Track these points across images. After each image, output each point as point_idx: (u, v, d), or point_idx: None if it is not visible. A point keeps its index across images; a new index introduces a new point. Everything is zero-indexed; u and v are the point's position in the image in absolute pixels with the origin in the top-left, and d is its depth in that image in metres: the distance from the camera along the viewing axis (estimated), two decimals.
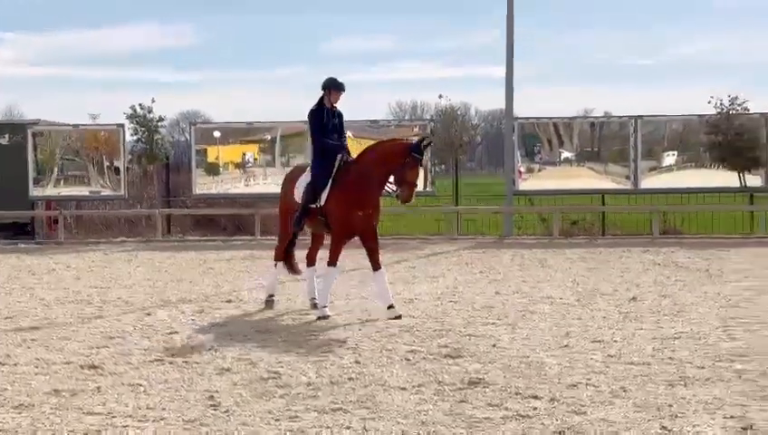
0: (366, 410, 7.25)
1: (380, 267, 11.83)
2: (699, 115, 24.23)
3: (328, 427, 6.78)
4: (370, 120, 26.20)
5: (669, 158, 24.60)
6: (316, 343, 10.02)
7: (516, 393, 7.68)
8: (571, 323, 11.00)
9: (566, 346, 9.65)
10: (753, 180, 23.72)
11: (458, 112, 27.25)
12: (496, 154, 25.63)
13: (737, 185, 23.83)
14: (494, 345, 9.74)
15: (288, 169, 15.04)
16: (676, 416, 6.95)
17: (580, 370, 8.53)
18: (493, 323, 11.05)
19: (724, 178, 23.89)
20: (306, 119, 12.30)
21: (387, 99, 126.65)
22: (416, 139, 12.37)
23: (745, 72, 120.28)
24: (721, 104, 23.70)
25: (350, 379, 8.27)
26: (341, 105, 12.03)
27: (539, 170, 24.90)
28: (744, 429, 6.59)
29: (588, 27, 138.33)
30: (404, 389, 7.89)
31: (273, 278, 12.81)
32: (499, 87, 25.16)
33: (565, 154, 24.87)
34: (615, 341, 9.90)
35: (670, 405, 7.24)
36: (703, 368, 8.53)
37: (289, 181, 12.56)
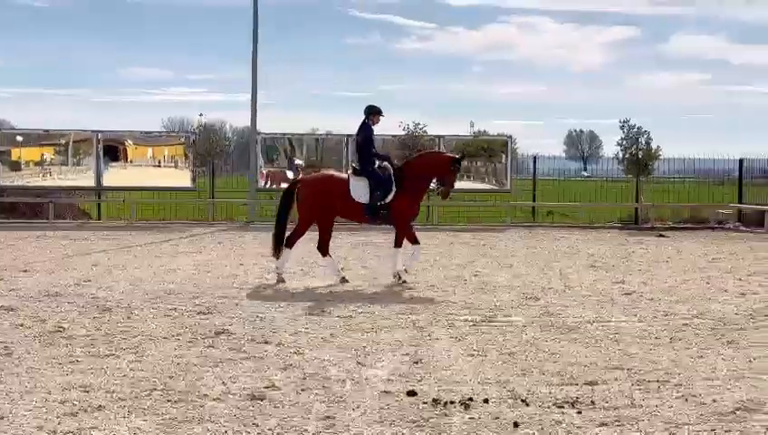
0: (134, 354, 7.01)
1: (419, 242, 12.07)
2: (393, 135, 24.95)
3: (102, 368, 6.51)
4: (146, 132, 25.66)
5: (298, 161, 25.24)
6: (96, 303, 9.57)
7: (252, 340, 7.65)
8: (297, 287, 11.04)
9: (291, 304, 9.66)
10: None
11: (216, 128, 26.77)
12: (246, 160, 25.45)
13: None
14: (237, 304, 9.65)
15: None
16: (368, 354, 7.14)
17: (302, 321, 8.59)
18: (237, 288, 10.93)
19: None
20: (359, 135, 12.07)
21: (161, 115, 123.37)
22: (457, 155, 12.35)
23: (425, 106, 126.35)
24: (408, 127, 24.56)
25: (122, 331, 7.97)
26: None
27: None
28: (416, 362, 6.85)
29: (316, 65, 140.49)
30: (165, 338, 7.69)
31: (332, 266, 12.00)
32: (248, 109, 24.86)
33: (297, 162, 25.08)
34: (329, 300, 10.02)
35: (365, 346, 7.42)
36: (389, 318, 8.78)
37: (329, 187, 11.89)
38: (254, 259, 14.41)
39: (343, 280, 11.64)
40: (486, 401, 5.68)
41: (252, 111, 24.75)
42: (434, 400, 5.68)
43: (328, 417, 5.33)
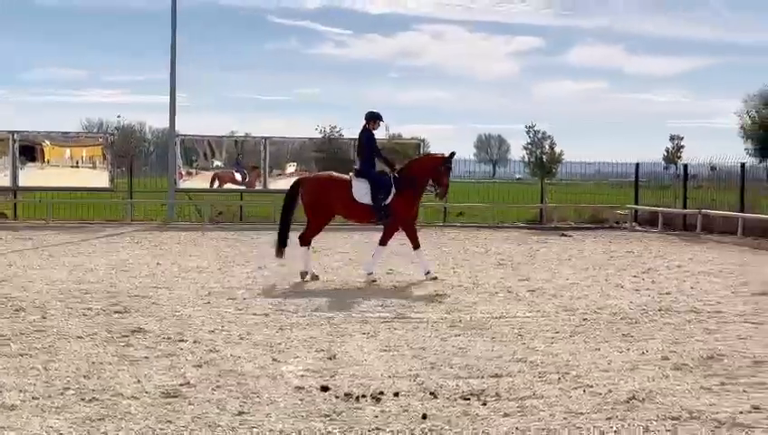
0: (48, 354, 6.80)
1: (419, 247, 12.06)
2: (310, 138, 24.92)
3: (15, 368, 6.29)
4: (63, 132, 24.94)
5: (291, 167, 25.22)
6: (11, 303, 9.24)
7: (168, 338, 7.51)
8: (214, 286, 10.90)
9: (208, 303, 9.55)
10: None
11: (134, 129, 26.23)
12: (165, 161, 24.92)
13: None
14: (153, 303, 9.45)
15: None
16: (284, 350, 7.09)
17: (218, 319, 8.48)
18: (154, 287, 10.71)
19: None
20: (360, 139, 12.27)
21: (79, 116, 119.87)
22: (447, 154, 12.25)
23: (342, 110, 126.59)
24: (324, 131, 24.56)
25: (36, 331, 7.72)
26: None
27: (196, 174, 24.66)
28: (330, 358, 6.83)
29: (236, 69, 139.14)
30: (80, 337, 7.48)
31: (304, 258, 11.91)
32: (168, 111, 24.41)
33: (216, 163, 24.80)
34: (245, 298, 9.93)
35: (279, 343, 7.37)
36: (305, 316, 8.75)
37: (331, 187, 12.03)
38: (171, 259, 14.16)
39: (303, 275, 11.67)
40: (397, 394, 5.70)
41: (170, 112, 24.34)
42: (346, 394, 5.68)
43: (242, 412, 5.27)
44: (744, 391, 5.91)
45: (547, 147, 24.78)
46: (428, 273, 11.81)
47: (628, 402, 5.58)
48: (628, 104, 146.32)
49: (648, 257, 15.57)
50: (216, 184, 24.43)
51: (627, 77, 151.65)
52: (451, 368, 6.52)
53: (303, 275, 11.70)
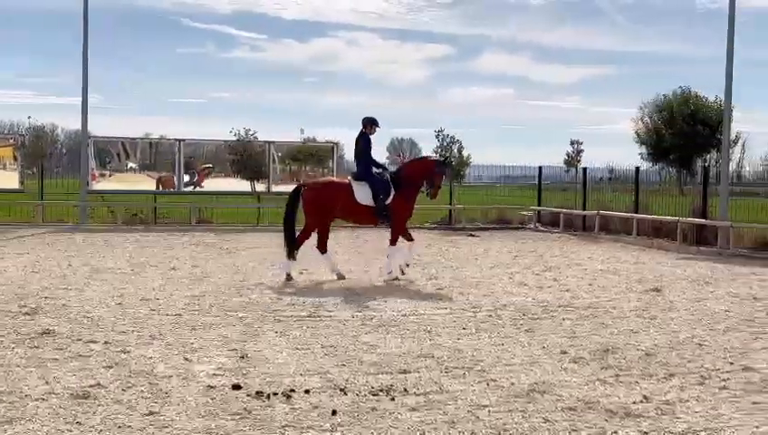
0: None
1: (395, 244, 12.22)
2: (225, 141, 24.58)
3: None
4: None
5: (206, 169, 24.92)
6: None
7: (78, 339, 7.29)
8: (126, 287, 10.64)
9: (120, 304, 9.31)
10: (260, 187, 24.52)
11: (46, 130, 25.39)
12: (78, 163, 24.19)
13: (249, 190, 24.53)
14: (63, 305, 9.16)
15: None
16: (196, 350, 6.97)
17: (129, 320, 8.28)
18: (65, 288, 10.39)
19: (242, 184, 24.52)
20: (358, 143, 12.24)
21: None
22: (441, 158, 12.59)
23: (257, 113, 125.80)
24: (239, 134, 24.26)
25: None
26: None
27: (110, 175, 24.03)
28: (242, 357, 6.75)
29: (152, 72, 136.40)
30: None
31: (329, 262, 12.10)
32: (79, 113, 23.72)
33: (130, 164, 24.23)
34: (157, 299, 9.73)
35: (192, 343, 7.25)
36: (218, 316, 8.63)
37: (333, 192, 12.11)
38: (83, 260, 13.76)
39: (340, 276, 11.81)
40: (308, 391, 5.68)
41: (83, 114, 23.63)
42: (257, 392, 5.62)
43: (152, 413, 5.15)
44: (636, 382, 6.11)
45: (456, 150, 25.13)
46: (390, 273, 11.96)
47: (528, 395, 5.69)
48: (533, 110, 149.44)
49: (550, 256, 15.93)
50: (160, 187, 23.97)
51: (532, 84, 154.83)
52: (361, 365, 6.53)
53: (340, 276, 11.85)
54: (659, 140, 51.18)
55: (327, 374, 6.18)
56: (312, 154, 25.63)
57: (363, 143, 12.29)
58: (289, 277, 11.67)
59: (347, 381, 5.99)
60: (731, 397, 5.73)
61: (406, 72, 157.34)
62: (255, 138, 24.43)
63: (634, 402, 5.53)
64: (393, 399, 5.56)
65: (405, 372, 6.30)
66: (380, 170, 12.37)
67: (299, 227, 12.22)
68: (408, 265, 12.33)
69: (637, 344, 7.47)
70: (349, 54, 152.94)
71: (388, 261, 12.19)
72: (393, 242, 12.29)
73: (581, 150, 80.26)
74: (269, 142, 24.63)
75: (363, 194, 12.05)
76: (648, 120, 53.76)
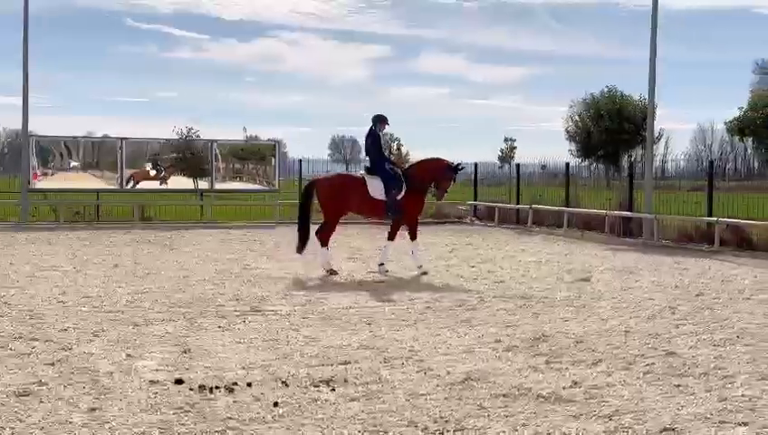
0: None
1: (416, 238, 12.26)
2: (168, 139, 24.20)
3: None
4: None
5: (148, 168, 24.48)
6: None
7: (20, 337, 7.09)
8: (68, 284, 10.39)
9: (62, 302, 9.09)
10: (203, 184, 24.22)
11: None
12: (20, 161, 23.51)
13: (192, 187, 24.21)
14: (5, 303, 8.90)
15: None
16: (138, 346, 6.85)
17: (72, 318, 8.08)
18: (6, 287, 10.08)
19: (185, 182, 24.16)
20: (368, 140, 12.20)
21: None
22: (455, 162, 12.52)
23: (200, 112, 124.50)
24: (181, 132, 23.91)
25: None
26: None
27: (52, 175, 23.43)
28: (185, 352, 6.65)
29: (94, 72, 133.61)
30: None
31: (325, 257, 11.89)
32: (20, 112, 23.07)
33: (73, 163, 23.68)
34: (100, 296, 9.52)
35: (134, 339, 7.12)
36: (161, 312, 8.49)
37: (346, 186, 12.13)
38: (25, 258, 13.39)
39: (332, 272, 11.64)
40: (250, 384, 5.62)
41: (23, 113, 22.91)
42: (200, 386, 5.55)
43: (94, 409, 5.04)
44: (567, 368, 6.21)
45: (395, 148, 25.19)
46: (420, 267, 11.95)
47: (464, 382, 5.74)
48: (469, 109, 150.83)
49: (486, 249, 16.10)
50: (131, 184, 23.45)
51: (469, 84, 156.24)
52: (302, 357, 6.50)
53: (331, 272, 11.70)
54: (588, 137, 52.13)
55: (269, 367, 6.13)
56: (254, 152, 25.40)
57: (372, 139, 12.23)
58: (332, 271, 11.69)
59: (288, 373, 5.95)
60: (655, 380, 5.87)
61: (346, 72, 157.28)
62: (198, 136, 24.15)
63: (564, 388, 5.62)
64: (334, 390, 5.54)
65: (345, 363, 6.29)
66: (392, 166, 12.35)
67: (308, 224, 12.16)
68: (420, 267, 12.02)
69: (567, 332, 7.59)
70: (290, 55, 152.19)
71: (415, 256, 12.18)
72: (413, 237, 12.24)
73: (515, 147, 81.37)
74: (212, 141, 24.34)
75: (376, 188, 12.01)
76: (578, 118, 54.71)
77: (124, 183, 23.40)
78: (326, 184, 12.39)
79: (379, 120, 12.32)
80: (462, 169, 13.42)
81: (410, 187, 12.13)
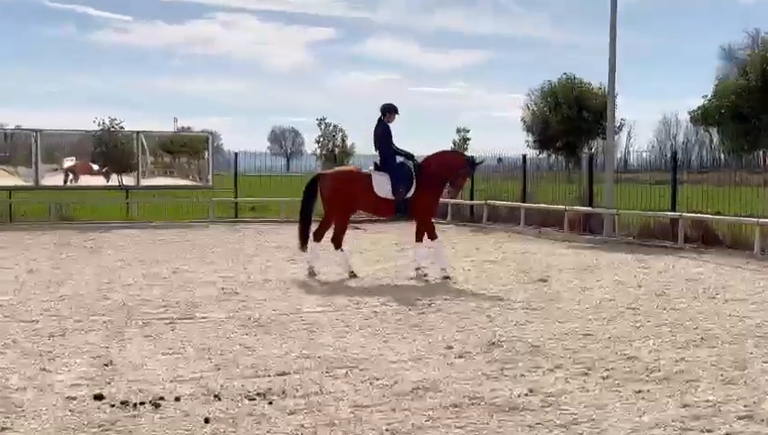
0: None
1: (437, 237, 12.01)
2: (88, 131, 23.77)
3: None
4: None
5: (69, 162, 24.13)
6: None
7: None
8: None
9: None
10: (129, 180, 23.87)
11: None
12: None
13: (117, 184, 23.86)
14: None
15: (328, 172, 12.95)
16: (54, 359, 6.70)
17: None
18: None
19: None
20: (376, 132, 12.01)
21: None
22: (473, 158, 12.53)
23: (124, 100, 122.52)
24: (104, 123, 23.51)
25: None
26: None
27: None
28: (106, 365, 6.53)
29: (5, 57, 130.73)
30: None
31: (344, 259, 11.99)
32: None
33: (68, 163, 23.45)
34: (12, 304, 9.30)
35: (50, 351, 6.97)
36: (80, 321, 8.33)
37: (352, 181, 11.96)
38: None
39: (352, 274, 11.58)
40: (178, 399, 5.55)
41: None
42: (123, 402, 5.46)
43: (4, 429, 4.92)
44: (522, 375, 6.27)
45: (339, 139, 25.16)
46: (443, 270, 11.70)
47: (413, 392, 5.75)
48: (420, 97, 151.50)
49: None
50: (71, 178, 22.99)
51: (418, 70, 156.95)
52: (237, 368, 6.44)
53: (352, 274, 11.69)
54: (546, 127, 52.75)
55: (200, 380, 6.06)
56: (185, 145, 25.16)
57: (381, 131, 11.99)
58: (312, 272, 11.69)
59: (221, 386, 5.89)
60: (614, 386, 5.96)
61: (288, 57, 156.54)
62: (122, 127, 23.76)
63: (519, 396, 5.68)
64: (271, 403, 5.50)
65: (284, 374, 6.25)
66: (403, 159, 12.01)
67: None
68: (443, 270, 11.79)
69: (523, 337, 7.67)
70: (226, 37, 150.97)
71: (438, 259, 11.93)
72: (432, 236, 11.97)
73: (469, 138, 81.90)
74: (137, 132, 23.99)
75: (382, 185, 11.78)
76: (535, 107, 55.32)
77: (63, 178, 23.00)
78: (331, 178, 12.17)
79: (388, 111, 12.07)
80: (482, 162, 13.27)
81: (424, 182, 11.84)
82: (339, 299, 9.84)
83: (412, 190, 11.83)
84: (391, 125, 12.13)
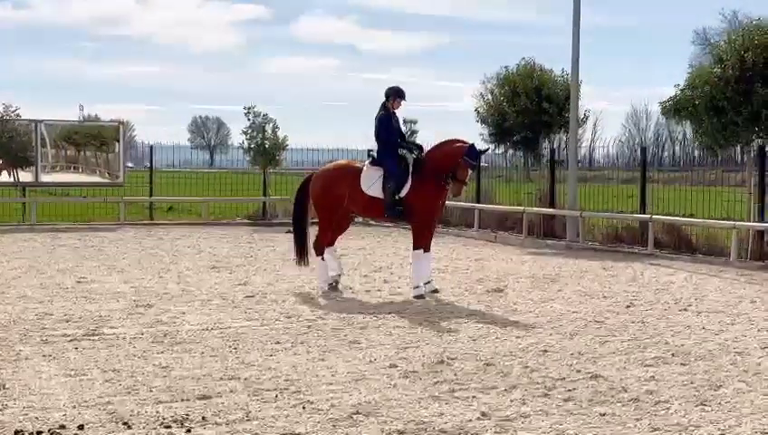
0: None
1: (424, 248, 11.43)
2: None
3: None
4: None
5: None
6: None
7: None
8: None
9: None
10: (26, 176, 23.45)
11: None
12: None
13: (12, 180, 23.43)
14: None
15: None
16: None
17: None
18: None
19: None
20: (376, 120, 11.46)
21: None
22: (476, 144, 11.63)
23: (21, 85, 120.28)
24: None
25: None
26: None
27: None
28: None
29: None
30: None
31: (324, 270, 11.62)
32: None
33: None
34: None
35: None
36: None
37: (339, 178, 11.57)
38: None
39: (332, 287, 11.42)
40: (81, 427, 5.47)
41: None
42: (17, 432, 5.37)
43: None
44: (474, 396, 6.33)
45: (269, 131, 24.94)
46: (429, 283, 11.33)
47: (351, 418, 5.76)
48: (361, 84, 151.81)
49: (382, 255, 16.23)
50: None
51: (360, 54, 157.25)
52: (151, 392, 6.38)
53: (334, 284, 11.56)
54: (502, 119, 53.23)
55: (108, 405, 5.98)
56: (93, 136, 24.77)
57: (382, 120, 11.45)
58: (333, 286, 11.51)
59: (133, 412, 5.83)
60: (577, 409, 6.04)
61: (211, 38, 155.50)
62: (18, 115, 23.34)
63: (470, 420, 5.72)
64: (189, 431, 5.46)
65: (205, 397, 6.21)
66: (405, 152, 11.41)
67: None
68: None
69: (475, 353, 7.74)
70: (140, 15, 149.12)
71: (416, 273, 11.37)
72: (419, 245, 11.38)
73: (416, 131, 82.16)
74: (37, 121, 23.57)
75: (370, 182, 11.33)
76: (490, 97, 55.81)
77: None
78: (318, 177, 11.86)
79: (394, 95, 11.56)
80: (486, 151, 13.00)
81: (421, 178, 11.24)
82: (268, 312, 9.81)
83: (406, 188, 11.24)
84: (387, 114, 11.56)
